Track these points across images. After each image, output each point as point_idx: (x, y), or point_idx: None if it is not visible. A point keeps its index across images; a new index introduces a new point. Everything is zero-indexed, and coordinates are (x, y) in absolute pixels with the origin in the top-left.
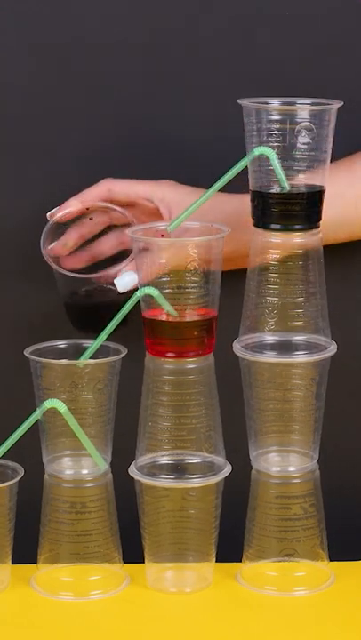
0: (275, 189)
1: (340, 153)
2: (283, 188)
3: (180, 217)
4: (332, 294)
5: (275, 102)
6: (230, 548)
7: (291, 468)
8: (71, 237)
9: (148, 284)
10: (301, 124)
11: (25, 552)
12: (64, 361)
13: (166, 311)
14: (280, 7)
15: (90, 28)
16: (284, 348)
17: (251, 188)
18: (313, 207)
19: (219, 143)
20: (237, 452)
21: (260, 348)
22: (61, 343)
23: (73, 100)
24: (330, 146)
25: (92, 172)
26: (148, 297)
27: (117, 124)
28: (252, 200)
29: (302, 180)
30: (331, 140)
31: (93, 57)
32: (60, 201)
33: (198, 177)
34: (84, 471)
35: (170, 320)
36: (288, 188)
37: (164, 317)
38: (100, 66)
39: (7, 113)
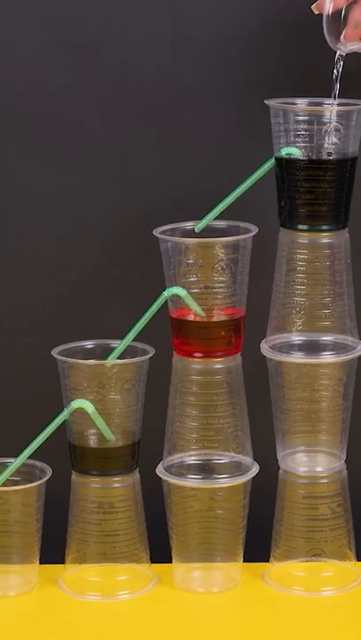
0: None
1: None
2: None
3: (207, 217)
4: (359, 294)
5: (302, 103)
6: (258, 548)
7: (318, 468)
8: (358, 15)
9: None
10: (329, 125)
11: (53, 552)
12: (92, 361)
13: (194, 311)
14: (307, 6)
15: (114, 25)
16: (312, 348)
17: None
18: (340, 207)
19: (246, 143)
20: (265, 452)
21: (288, 348)
22: (89, 343)
23: (96, 89)
24: (357, 146)
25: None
26: (176, 297)
27: (140, 122)
28: (279, 200)
29: (331, 179)
30: (358, 139)
31: (117, 53)
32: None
33: (225, 178)
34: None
35: (197, 320)
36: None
37: (191, 317)
38: (126, 62)
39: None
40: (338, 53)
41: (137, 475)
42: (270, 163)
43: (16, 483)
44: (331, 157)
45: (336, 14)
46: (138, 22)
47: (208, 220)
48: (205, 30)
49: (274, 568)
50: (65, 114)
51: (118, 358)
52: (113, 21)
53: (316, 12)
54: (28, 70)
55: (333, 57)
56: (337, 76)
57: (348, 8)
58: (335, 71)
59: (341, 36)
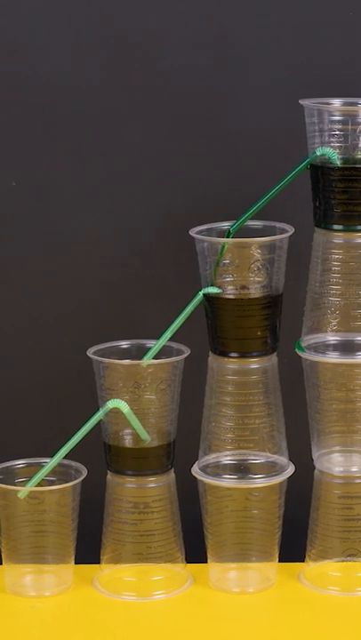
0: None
1: None
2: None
3: (243, 217)
4: None
5: (336, 103)
6: (293, 548)
7: (353, 469)
8: None
9: None
10: None
11: (88, 552)
12: (127, 361)
13: None
14: (343, 7)
15: (153, 24)
16: (347, 348)
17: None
18: None
19: (282, 143)
20: (300, 453)
21: (323, 348)
22: (124, 343)
23: (133, 93)
24: None
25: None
26: None
27: (178, 121)
28: (314, 200)
29: None
30: None
31: (154, 51)
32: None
33: (261, 178)
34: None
35: None
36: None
37: None
38: (164, 63)
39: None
40: None
41: (172, 475)
42: (305, 163)
43: (52, 483)
44: None
45: None
46: (177, 21)
47: (243, 220)
48: (243, 30)
49: (309, 568)
50: (102, 114)
51: (154, 358)
52: (153, 21)
53: None
54: (69, 70)
55: None
56: None
57: None
58: None
59: None
